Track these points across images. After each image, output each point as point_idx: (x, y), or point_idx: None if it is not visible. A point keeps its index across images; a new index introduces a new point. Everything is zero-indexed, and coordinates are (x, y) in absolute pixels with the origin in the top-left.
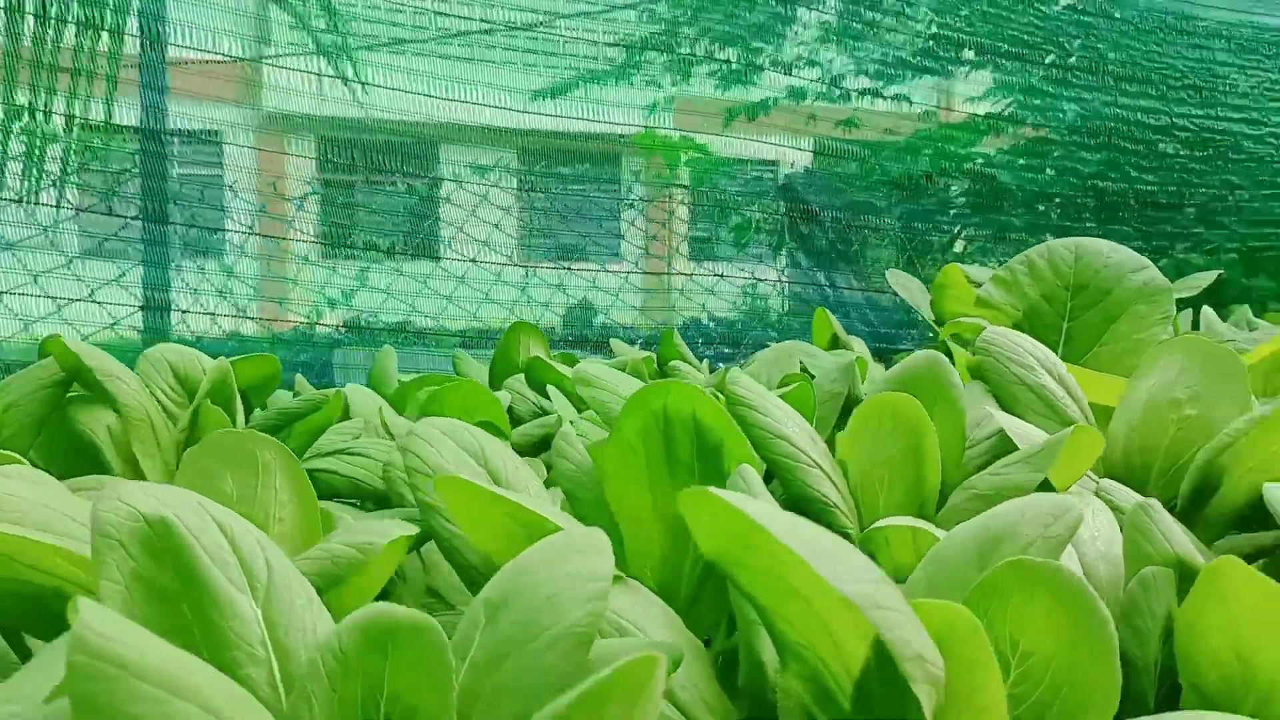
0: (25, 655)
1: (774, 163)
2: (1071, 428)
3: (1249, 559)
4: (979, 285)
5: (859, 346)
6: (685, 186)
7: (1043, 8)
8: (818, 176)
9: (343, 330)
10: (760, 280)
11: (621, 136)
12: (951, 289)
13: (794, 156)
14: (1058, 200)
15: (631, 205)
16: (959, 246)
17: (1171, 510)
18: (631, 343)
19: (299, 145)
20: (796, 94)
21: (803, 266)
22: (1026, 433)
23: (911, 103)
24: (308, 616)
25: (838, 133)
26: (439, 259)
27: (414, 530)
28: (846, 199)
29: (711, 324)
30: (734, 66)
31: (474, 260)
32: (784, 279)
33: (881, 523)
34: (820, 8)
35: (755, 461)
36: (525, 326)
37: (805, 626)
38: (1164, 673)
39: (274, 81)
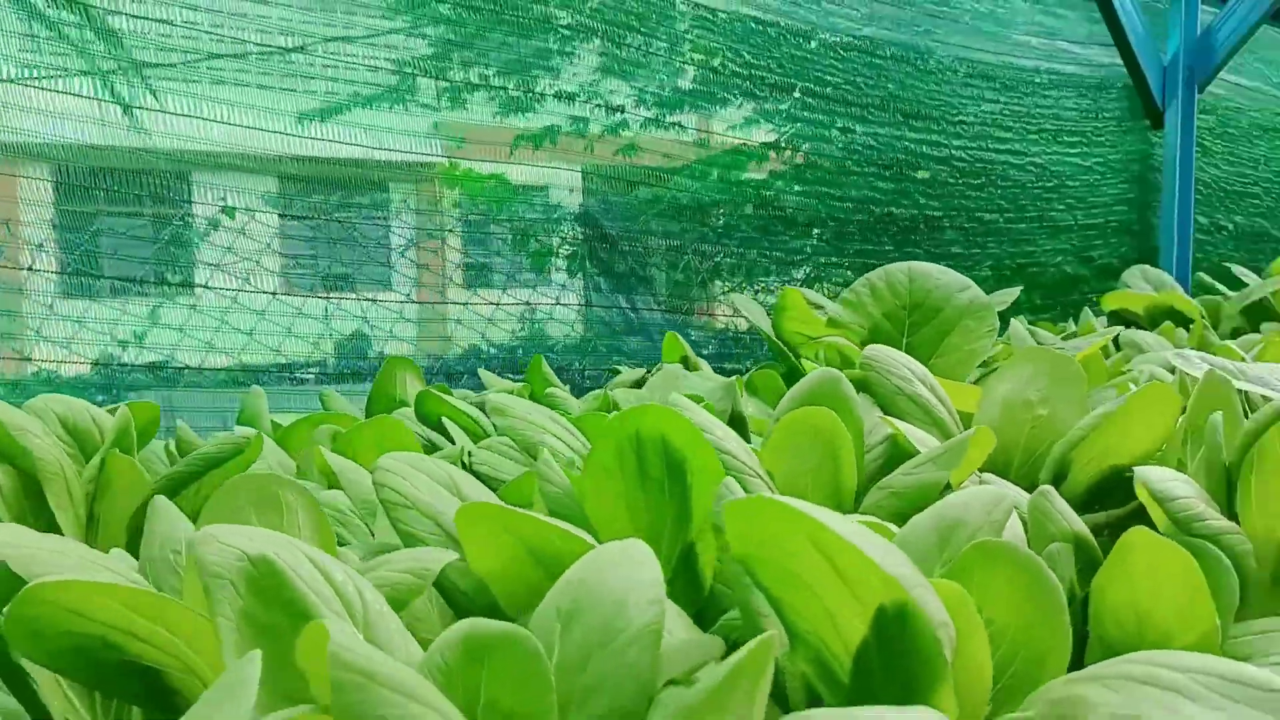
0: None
1: (567, 189)
2: (973, 429)
3: None
4: (817, 307)
5: (704, 366)
6: (484, 215)
7: (844, 50)
8: (614, 203)
9: (77, 366)
10: (564, 305)
11: (422, 165)
12: (791, 310)
13: (586, 184)
14: (856, 224)
15: (431, 234)
16: (757, 269)
17: None
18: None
19: (39, 171)
20: (579, 122)
21: (604, 290)
22: (920, 437)
23: (697, 131)
24: (400, 641)
25: (626, 160)
26: (199, 287)
27: (454, 556)
28: (643, 225)
29: (492, 349)
30: (510, 94)
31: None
32: (587, 304)
33: None
34: (597, 37)
35: (719, 473)
36: (401, 361)
37: (812, 614)
38: None
39: (13, 103)
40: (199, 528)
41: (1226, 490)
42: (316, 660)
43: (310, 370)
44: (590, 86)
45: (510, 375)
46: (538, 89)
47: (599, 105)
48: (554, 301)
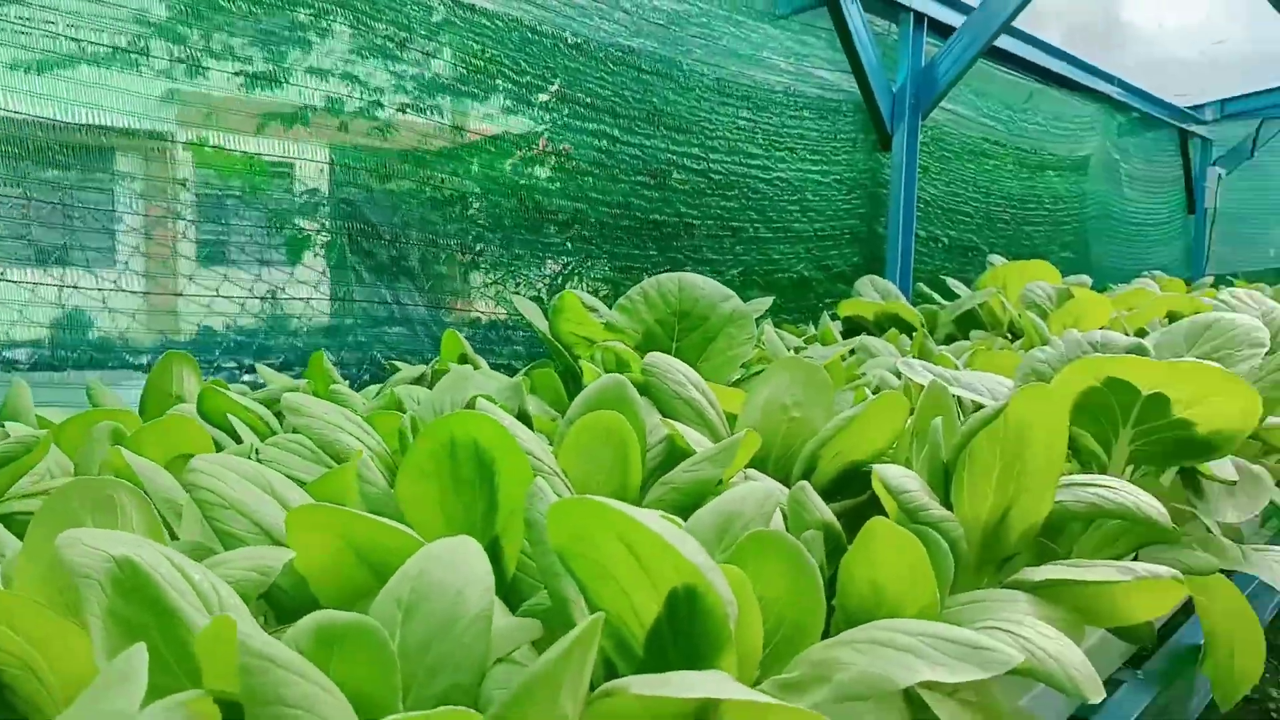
0: None
1: (322, 174)
2: (743, 432)
3: None
4: (591, 309)
5: (483, 364)
6: (232, 195)
7: (612, 63)
8: (374, 192)
9: None
10: (320, 294)
11: (160, 138)
12: (567, 312)
13: (344, 171)
14: (622, 228)
15: (171, 214)
16: (520, 263)
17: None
18: (141, 355)
19: None
20: (334, 103)
21: (365, 281)
22: (695, 438)
23: (464, 129)
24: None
25: (386, 145)
26: None
27: (291, 554)
28: (404, 215)
29: (235, 335)
30: (259, 70)
31: None
32: (345, 296)
33: None
34: (348, 21)
35: (527, 475)
36: (179, 356)
37: (614, 598)
38: None
39: None
40: (32, 531)
41: (944, 483)
42: (215, 649)
43: (20, 356)
44: (345, 69)
45: (266, 366)
46: (287, 66)
47: (355, 92)
48: (311, 288)
